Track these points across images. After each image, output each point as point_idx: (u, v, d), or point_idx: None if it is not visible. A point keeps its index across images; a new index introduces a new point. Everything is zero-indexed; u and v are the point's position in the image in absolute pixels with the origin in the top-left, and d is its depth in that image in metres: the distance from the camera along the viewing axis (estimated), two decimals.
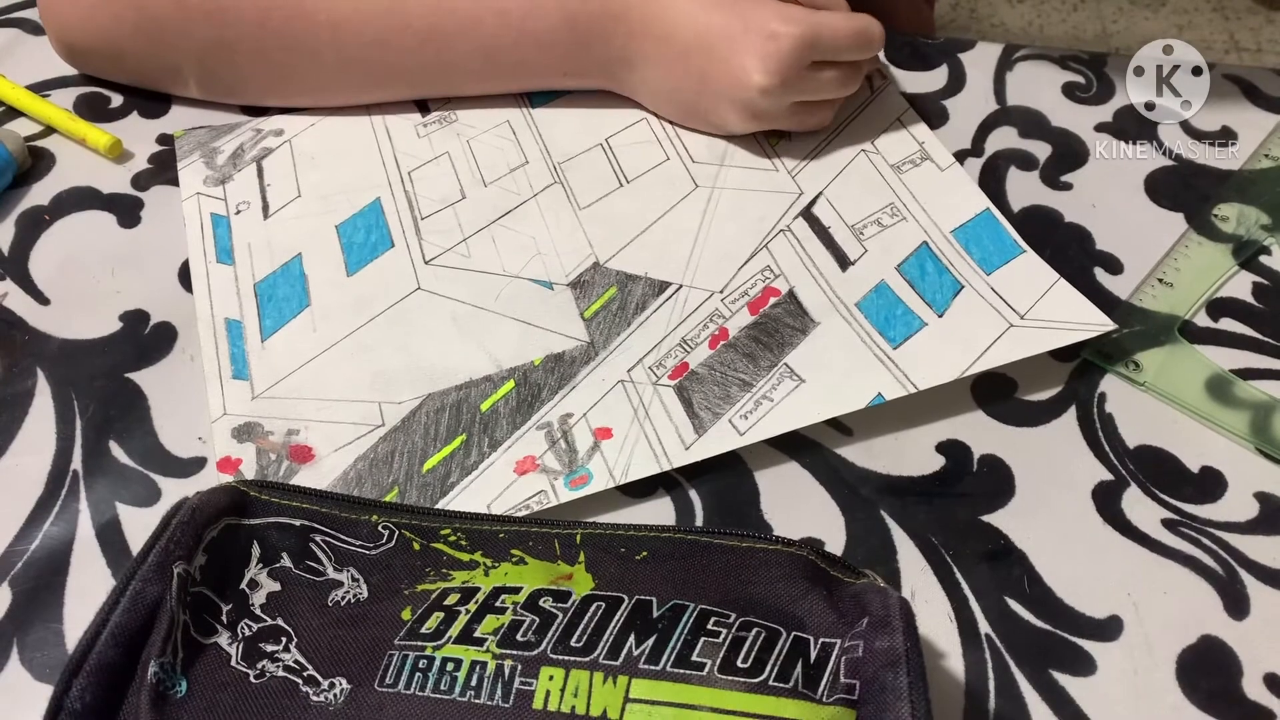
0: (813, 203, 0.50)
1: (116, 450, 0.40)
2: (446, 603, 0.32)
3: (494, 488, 0.39)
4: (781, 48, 0.47)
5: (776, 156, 0.52)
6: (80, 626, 0.35)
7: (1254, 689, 0.36)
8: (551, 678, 0.30)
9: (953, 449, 0.42)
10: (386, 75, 0.51)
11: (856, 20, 0.48)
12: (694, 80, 0.50)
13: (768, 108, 0.49)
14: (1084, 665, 0.36)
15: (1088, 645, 0.37)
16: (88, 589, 0.37)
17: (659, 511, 0.40)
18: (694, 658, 0.30)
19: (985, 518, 0.40)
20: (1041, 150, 0.53)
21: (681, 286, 0.46)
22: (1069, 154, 0.53)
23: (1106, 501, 0.40)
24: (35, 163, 0.51)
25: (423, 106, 0.54)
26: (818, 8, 0.49)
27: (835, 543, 0.39)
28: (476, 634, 0.31)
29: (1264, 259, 0.49)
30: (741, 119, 0.50)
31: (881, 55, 0.57)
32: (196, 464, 0.40)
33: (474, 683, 0.29)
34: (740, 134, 0.52)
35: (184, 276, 0.46)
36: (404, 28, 0.49)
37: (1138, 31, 1.89)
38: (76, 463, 0.40)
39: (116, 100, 0.54)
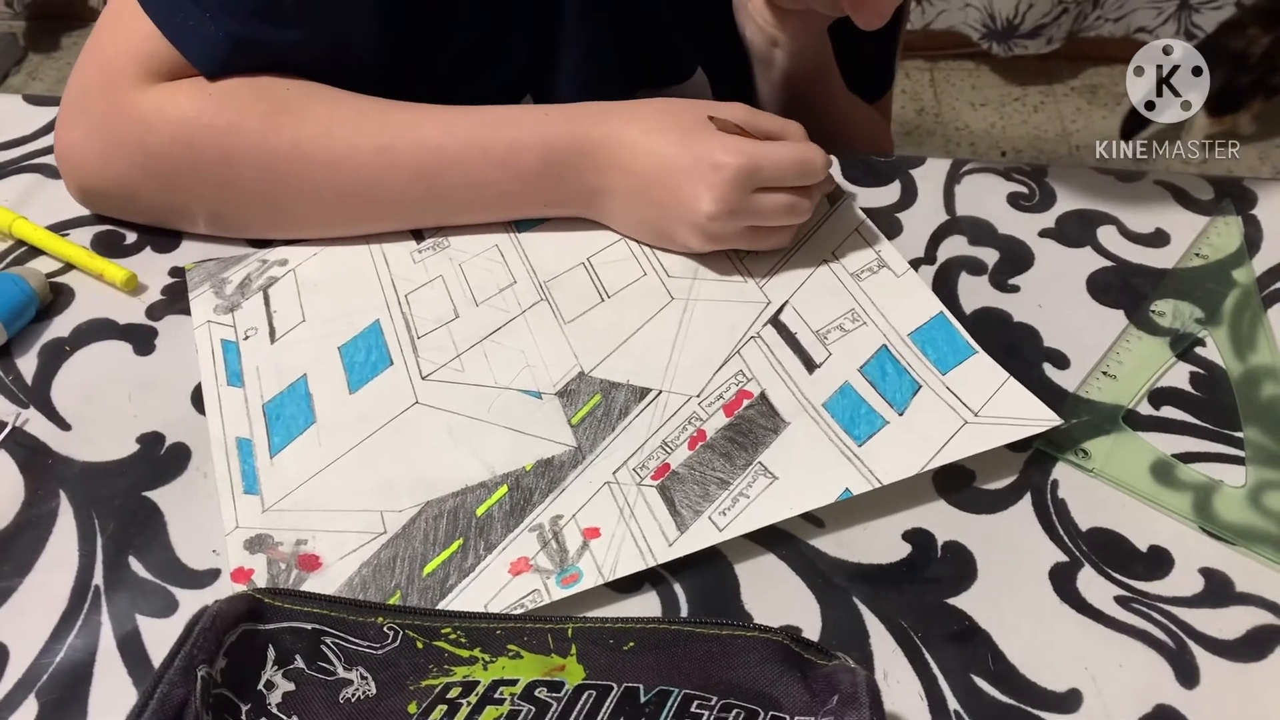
0: (780, 311, 0.54)
1: (136, 565, 0.43)
2: (449, 696, 0.34)
3: (490, 588, 0.42)
4: (724, 177, 0.51)
5: (745, 269, 0.56)
6: None
7: None
8: None
9: (918, 537, 0.45)
10: (381, 210, 0.56)
11: (798, 150, 0.53)
12: (655, 208, 0.54)
13: (721, 231, 0.53)
14: None
15: (1050, 718, 0.39)
16: (110, 697, 0.39)
17: (646, 605, 0.42)
18: None
19: (950, 600, 0.43)
20: (990, 256, 0.58)
21: (661, 392, 0.50)
22: (1016, 259, 0.58)
23: (1062, 581, 0.43)
24: (56, 298, 0.54)
25: (417, 234, 0.58)
26: (768, 137, 0.53)
27: (812, 629, 0.42)
28: None
29: (1199, 350, 0.53)
30: (700, 241, 0.54)
31: (839, 175, 0.62)
32: (211, 575, 0.43)
33: None
34: (703, 253, 0.56)
35: (197, 399, 0.49)
36: (395, 166, 0.53)
37: (1096, 130, 1.98)
38: (98, 578, 0.43)
39: (131, 237, 0.58)
